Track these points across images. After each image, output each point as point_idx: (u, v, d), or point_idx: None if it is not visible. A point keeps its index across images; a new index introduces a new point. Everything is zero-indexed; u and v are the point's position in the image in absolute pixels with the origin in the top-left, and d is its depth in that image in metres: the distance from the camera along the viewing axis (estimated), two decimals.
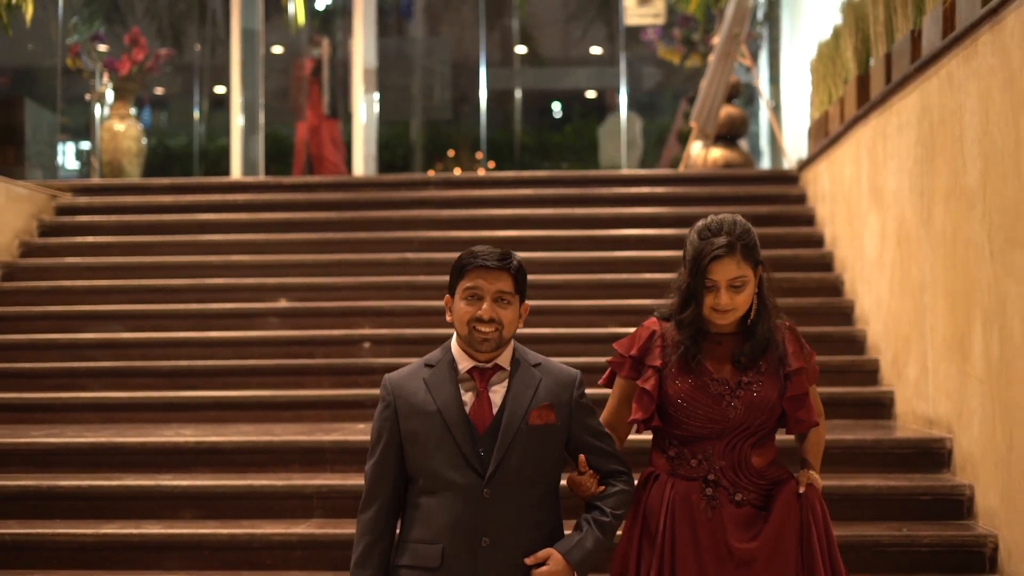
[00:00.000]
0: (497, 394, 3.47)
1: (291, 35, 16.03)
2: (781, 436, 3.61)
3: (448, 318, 3.52)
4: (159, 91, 17.65)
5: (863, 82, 7.43)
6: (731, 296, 3.46)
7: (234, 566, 5.23)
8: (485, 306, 3.40)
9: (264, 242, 8.80)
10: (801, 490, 3.49)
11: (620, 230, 8.84)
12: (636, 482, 3.60)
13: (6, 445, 6.11)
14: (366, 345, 7.44)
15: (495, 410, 3.44)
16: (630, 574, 3.53)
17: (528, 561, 3.37)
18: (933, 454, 5.69)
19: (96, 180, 11.49)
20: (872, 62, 7.28)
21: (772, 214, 8.90)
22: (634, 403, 3.57)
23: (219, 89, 17.28)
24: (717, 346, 3.55)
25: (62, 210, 9.36)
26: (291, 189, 9.97)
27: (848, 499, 5.36)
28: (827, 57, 8.66)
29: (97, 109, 13.31)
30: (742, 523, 3.45)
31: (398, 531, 3.51)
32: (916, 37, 6.29)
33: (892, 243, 6.59)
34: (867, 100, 7.22)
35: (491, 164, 17.46)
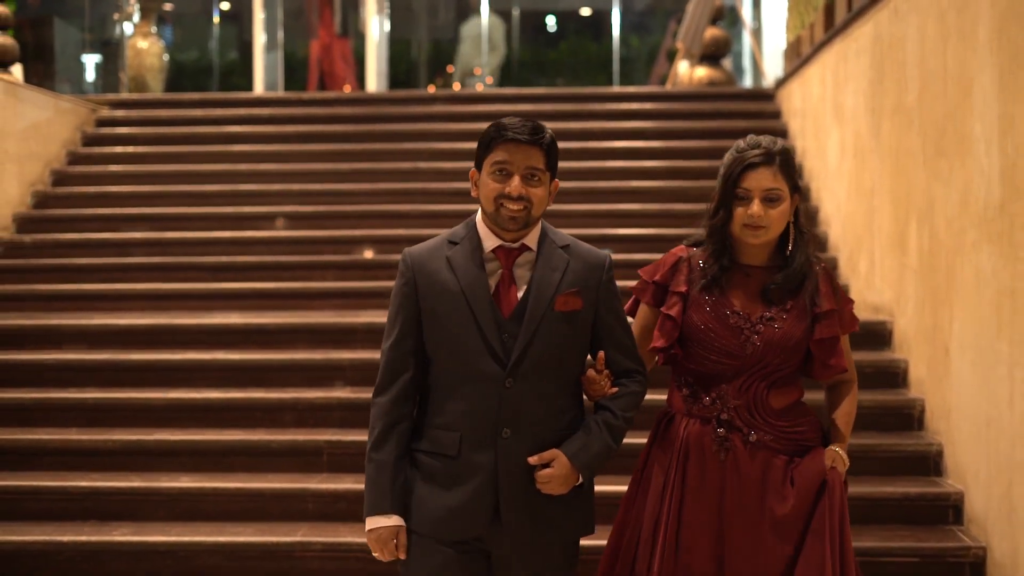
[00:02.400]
0: (523, 277, 3.27)
1: None
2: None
3: (474, 193, 3.32)
4: (168, 7, 18.31)
5: (829, 10, 8.27)
6: (765, 209, 3.29)
7: (283, 424, 6.17)
8: (514, 182, 3.19)
9: (288, 152, 9.64)
10: (829, 474, 3.33)
11: (610, 142, 9.68)
12: (656, 422, 3.53)
13: (76, 327, 7.05)
14: (369, 252, 8.29)
15: (520, 293, 3.26)
16: (635, 521, 3.46)
17: (532, 460, 3.23)
18: (877, 335, 6.63)
19: (132, 95, 12.27)
20: None
21: (750, 128, 9.71)
22: (656, 330, 3.43)
23: (224, 5, 17.98)
24: (746, 278, 3.39)
25: (101, 122, 10.18)
26: (310, 104, 10.80)
27: None
28: None
29: (119, 27, 14.06)
30: (758, 470, 3.32)
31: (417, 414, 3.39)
32: None
33: (849, 154, 7.49)
34: (832, 26, 8.08)
35: (489, 80, 18.16)
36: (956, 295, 5.45)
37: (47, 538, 5.37)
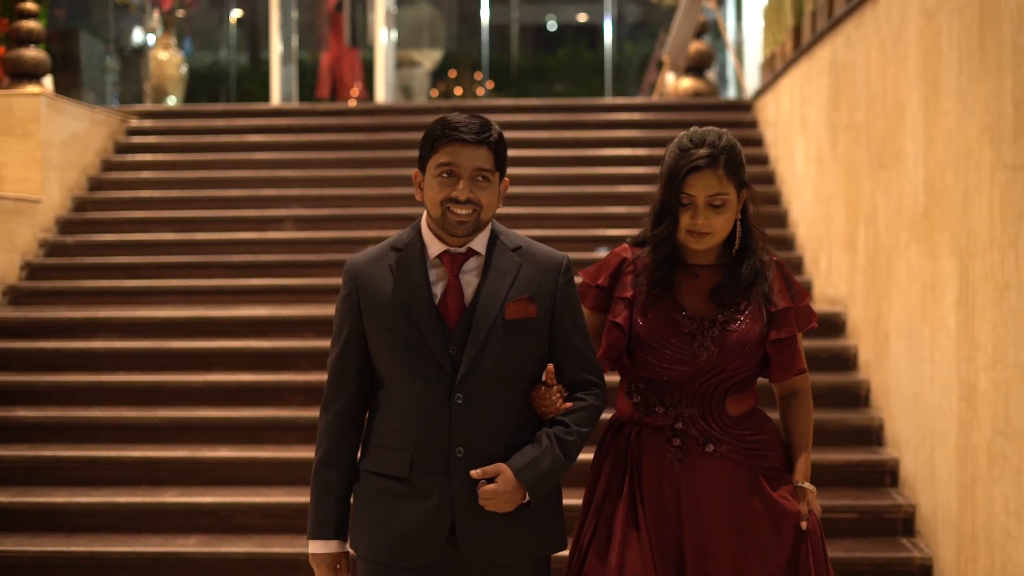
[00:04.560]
0: (471, 283, 3.05)
1: None
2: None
3: (418, 196, 3.09)
4: (181, 13, 19.15)
5: (797, 31, 9.11)
6: (708, 216, 3.08)
7: (305, 404, 6.99)
8: (461, 185, 2.96)
9: (305, 159, 10.46)
10: (804, 524, 3.12)
11: (601, 150, 10.50)
12: (603, 431, 3.32)
13: (120, 319, 7.88)
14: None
15: (467, 302, 3.03)
16: (589, 534, 3.22)
17: (475, 474, 2.99)
18: (833, 325, 7.46)
19: (159, 105, 13.07)
20: (804, 14, 8.97)
21: None
22: (603, 338, 3.20)
23: (235, 13, 18.84)
24: (694, 279, 3.17)
25: (131, 131, 11.02)
26: (324, 114, 11.63)
27: None
28: (773, 6, 10.33)
29: (139, 37, 14.88)
30: (716, 481, 3.11)
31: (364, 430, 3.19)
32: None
33: (813, 163, 8.34)
34: (800, 46, 8.91)
35: (490, 84, 19.00)
36: (893, 289, 6.29)
37: (108, 499, 6.23)
